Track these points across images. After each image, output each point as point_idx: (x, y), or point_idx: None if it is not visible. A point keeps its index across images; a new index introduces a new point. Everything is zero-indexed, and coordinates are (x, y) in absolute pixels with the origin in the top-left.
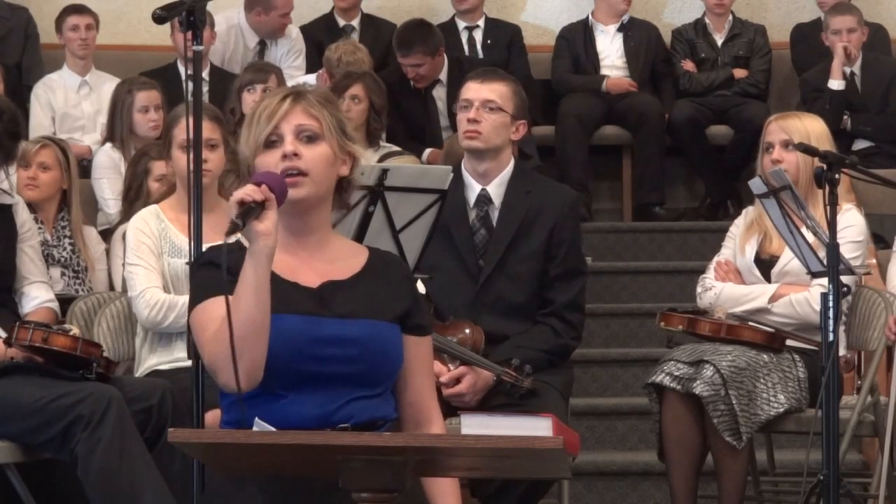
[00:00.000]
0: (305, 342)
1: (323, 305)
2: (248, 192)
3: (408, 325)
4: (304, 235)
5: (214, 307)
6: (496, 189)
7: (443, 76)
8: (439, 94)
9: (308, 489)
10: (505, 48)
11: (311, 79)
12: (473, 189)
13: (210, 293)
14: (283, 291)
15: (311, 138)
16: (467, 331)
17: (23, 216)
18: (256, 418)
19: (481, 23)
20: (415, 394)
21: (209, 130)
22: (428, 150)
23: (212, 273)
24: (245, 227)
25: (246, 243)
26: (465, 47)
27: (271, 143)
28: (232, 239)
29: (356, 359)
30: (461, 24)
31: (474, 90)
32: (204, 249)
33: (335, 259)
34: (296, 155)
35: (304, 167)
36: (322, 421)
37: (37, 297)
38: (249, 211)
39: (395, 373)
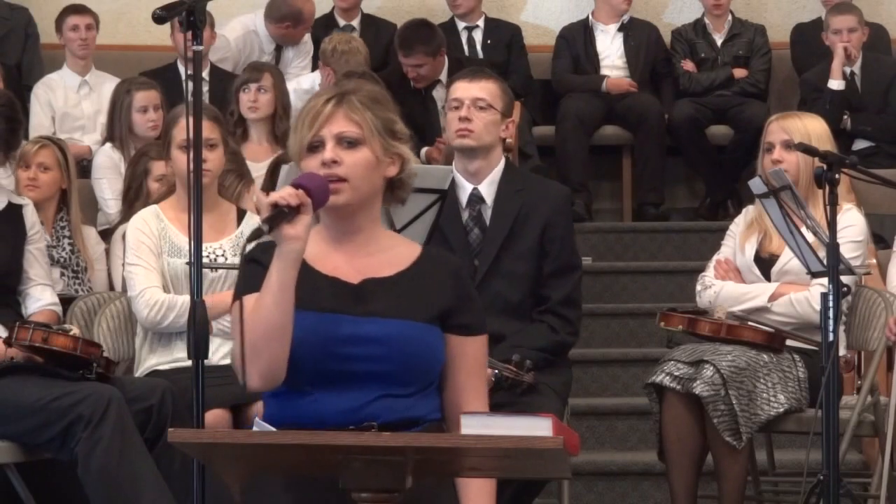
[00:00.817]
0: (333, 340)
1: (358, 302)
2: (285, 195)
3: (450, 325)
4: (350, 234)
5: (247, 304)
6: (488, 188)
7: (443, 77)
8: (439, 94)
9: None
10: (505, 48)
11: (315, 77)
12: (465, 189)
13: (248, 290)
14: (319, 287)
15: (352, 143)
16: None
17: (32, 218)
18: (256, 418)
19: (481, 23)
20: (456, 393)
21: (208, 130)
22: (424, 148)
23: (254, 270)
24: (274, 231)
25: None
26: (465, 48)
27: (314, 147)
28: (251, 245)
29: (384, 358)
30: (461, 25)
31: (463, 89)
32: (256, 244)
33: (382, 255)
34: (335, 162)
35: (344, 174)
36: (347, 419)
37: (40, 298)
38: (281, 215)
39: (429, 373)
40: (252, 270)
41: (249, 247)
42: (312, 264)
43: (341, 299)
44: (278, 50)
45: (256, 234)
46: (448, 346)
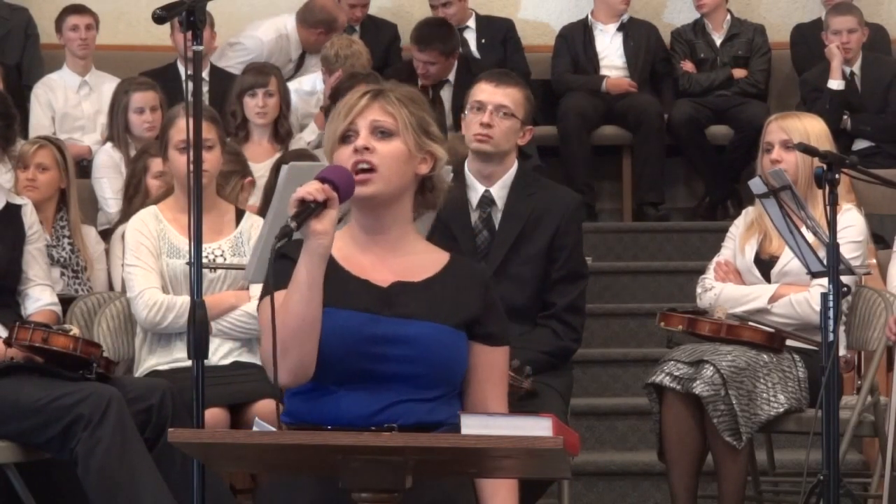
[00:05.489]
0: (361, 339)
1: (387, 305)
2: (311, 190)
3: (476, 333)
4: (378, 233)
5: (278, 300)
6: (499, 191)
7: (451, 77)
8: (447, 94)
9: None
10: (500, 45)
11: (317, 78)
12: (476, 190)
13: (279, 286)
14: (350, 288)
15: (385, 134)
16: None
17: (31, 218)
18: (256, 418)
19: (471, 23)
20: (478, 402)
21: (205, 131)
22: None
23: (284, 266)
24: (302, 227)
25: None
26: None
27: (346, 137)
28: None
29: (411, 360)
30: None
31: (489, 93)
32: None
33: (411, 260)
34: (367, 149)
35: (375, 162)
36: (367, 419)
37: (39, 298)
38: (308, 210)
39: (453, 378)
40: (283, 266)
41: (279, 244)
42: (342, 264)
43: (370, 301)
44: (302, 56)
45: (285, 231)
46: (472, 354)
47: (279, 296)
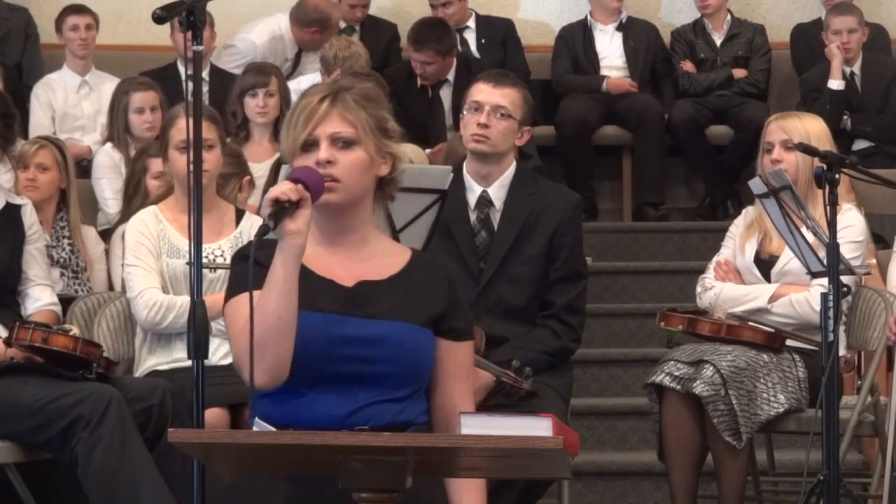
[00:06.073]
0: (330, 341)
1: (354, 305)
2: (285, 190)
3: (442, 329)
4: (341, 235)
5: (245, 302)
6: (497, 191)
7: (450, 77)
8: (446, 94)
9: (328, 489)
10: (500, 45)
11: (316, 78)
12: (474, 191)
13: (244, 287)
14: (315, 288)
15: (347, 144)
16: None
17: (31, 218)
18: (256, 418)
19: (471, 23)
20: (445, 398)
21: (205, 131)
22: (426, 150)
23: (247, 267)
24: (277, 226)
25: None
26: (459, 49)
27: (308, 146)
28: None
29: (381, 359)
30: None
31: (487, 93)
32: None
33: (374, 259)
34: (329, 162)
35: (339, 174)
36: (339, 422)
37: (39, 298)
38: (283, 210)
39: (422, 376)
40: (245, 268)
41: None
42: (307, 265)
43: (337, 302)
44: (298, 55)
45: (263, 230)
46: (439, 350)
47: (243, 298)
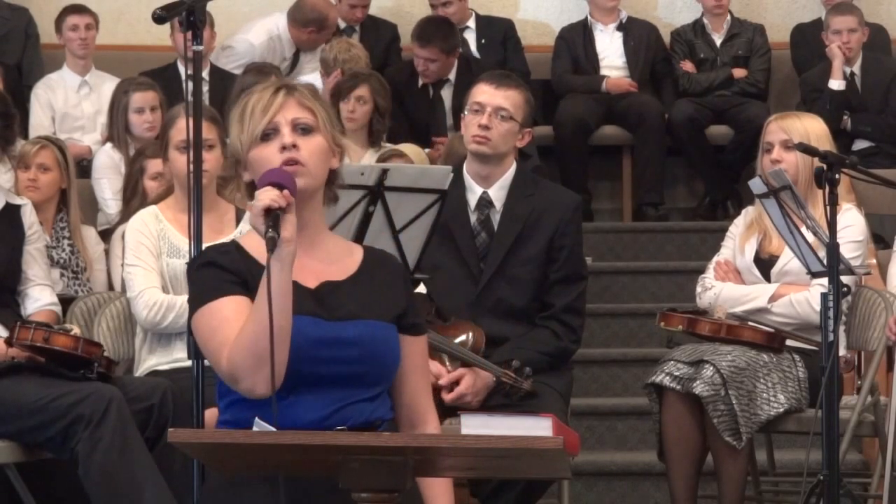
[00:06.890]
0: (306, 344)
1: (322, 307)
2: (274, 197)
3: (403, 325)
4: (297, 231)
5: (223, 309)
6: (497, 192)
7: (451, 76)
8: (447, 93)
9: (313, 490)
10: (500, 45)
11: (316, 79)
12: (474, 192)
13: (215, 294)
14: None
15: (307, 130)
16: (469, 332)
17: (31, 218)
18: (256, 418)
19: (471, 23)
20: (410, 394)
21: (205, 131)
22: (426, 150)
23: (215, 273)
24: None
25: (241, 243)
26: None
27: (267, 135)
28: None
29: (356, 360)
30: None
31: (488, 94)
32: (203, 249)
33: (331, 259)
34: (294, 146)
35: (302, 159)
36: (318, 424)
37: (39, 298)
38: (277, 218)
39: (392, 373)
40: (213, 274)
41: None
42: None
43: (306, 304)
44: (296, 55)
45: (272, 244)
46: (402, 346)
47: (211, 308)
